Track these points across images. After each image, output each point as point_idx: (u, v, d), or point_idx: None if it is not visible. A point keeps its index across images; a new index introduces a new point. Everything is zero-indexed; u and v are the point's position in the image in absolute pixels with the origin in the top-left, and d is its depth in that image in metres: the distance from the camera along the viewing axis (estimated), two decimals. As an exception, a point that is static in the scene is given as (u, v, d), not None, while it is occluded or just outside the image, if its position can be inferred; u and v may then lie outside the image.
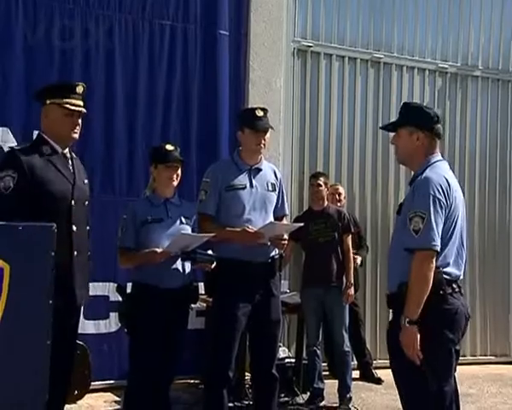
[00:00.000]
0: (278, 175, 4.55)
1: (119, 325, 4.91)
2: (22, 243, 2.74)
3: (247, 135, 4.35)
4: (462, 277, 3.38)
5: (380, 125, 6.74)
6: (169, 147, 4.18)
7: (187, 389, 5.52)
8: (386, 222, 6.75)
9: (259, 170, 4.43)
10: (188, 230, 4.17)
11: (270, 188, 4.43)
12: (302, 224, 4.76)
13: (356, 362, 6.23)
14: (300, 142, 6.57)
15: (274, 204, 4.45)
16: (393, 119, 7.05)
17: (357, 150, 6.78)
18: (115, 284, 4.59)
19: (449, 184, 3.29)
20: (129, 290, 4.16)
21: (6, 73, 4.93)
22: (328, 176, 6.04)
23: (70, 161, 3.70)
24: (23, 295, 2.72)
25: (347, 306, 5.50)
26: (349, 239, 5.59)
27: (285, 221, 4.58)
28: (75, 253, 3.57)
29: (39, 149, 3.60)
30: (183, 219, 4.17)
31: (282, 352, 5.72)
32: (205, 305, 5.11)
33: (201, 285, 4.36)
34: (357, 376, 6.15)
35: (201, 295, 4.38)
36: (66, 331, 3.53)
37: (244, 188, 4.32)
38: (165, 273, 4.04)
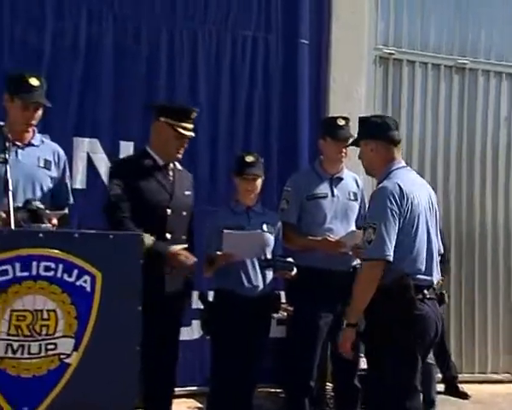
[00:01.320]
0: (360, 184, 4.56)
1: (202, 332, 5.04)
2: (113, 251, 2.88)
3: (329, 144, 4.40)
4: (435, 282, 3.41)
5: (464, 134, 6.64)
6: (248, 158, 4.24)
7: (268, 397, 5.57)
8: (472, 236, 6.58)
9: (341, 179, 4.46)
10: (270, 238, 4.24)
11: (352, 197, 4.46)
12: None
13: (440, 375, 6.13)
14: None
15: (356, 213, 4.46)
16: (479, 128, 6.97)
17: (441, 161, 6.65)
18: (197, 292, 4.72)
19: (402, 192, 3.34)
20: (211, 298, 4.27)
21: (97, 84, 5.10)
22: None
23: (171, 172, 3.89)
24: (114, 302, 2.86)
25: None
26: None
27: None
28: (167, 269, 3.74)
29: (142, 161, 3.83)
30: (265, 227, 4.24)
31: (364, 362, 5.69)
32: (286, 314, 5.16)
33: (283, 294, 4.41)
34: (442, 390, 6.04)
35: (283, 303, 4.43)
36: (166, 337, 3.73)
37: (325, 197, 4.37)
38: (247, 281, 4.12)
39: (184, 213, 3.88)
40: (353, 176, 4.63)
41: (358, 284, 3.33)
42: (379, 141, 3.52)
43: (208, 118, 5.59)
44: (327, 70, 6.04)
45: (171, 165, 3.93)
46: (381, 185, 3.43)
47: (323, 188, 4.43)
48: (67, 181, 4.02)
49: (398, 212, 3.32)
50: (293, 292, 4.33)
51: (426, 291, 3.34)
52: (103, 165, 5.06)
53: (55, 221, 3.30)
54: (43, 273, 2.76)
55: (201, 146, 5.56)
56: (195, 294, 4.61)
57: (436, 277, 3.45)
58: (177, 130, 3.80)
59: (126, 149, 5.11)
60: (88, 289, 2.84)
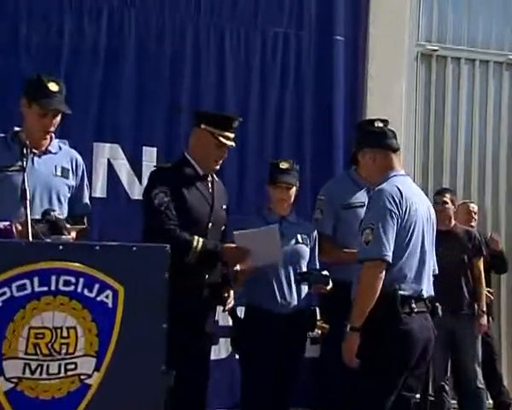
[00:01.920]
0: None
1: (230, 350, 5.05)
2: (136, 264, 2.90)
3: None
4: (426, 294, 3.52)
5: (515, 135, 6.59)
6: (283, 165, 4.29)
7: (301, 421, 5.57)
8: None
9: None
10: (305, 249, 4.25)
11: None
12: None
13: (491, 401, 6.05)
14: (424, 156, 6.49)
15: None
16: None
17: (489, 164, 6.61)
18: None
19: (402, 194, 3.48)
20: (240, 314, 4.30)
21: (117, 88, 5.15)
22: (456, 193, 5.95)
23: (210, 184, 3.93)
24: (137, 319, 2.87)
25: (480, 337, 5.38)
26: (480, 263, 5.48)
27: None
28: (206, 276, 3.80)
29: (183, 169, 3.88)
30: (300, 238, 4.27)
31: (406, 387, 5.65)
32: (320, 332, 5.15)
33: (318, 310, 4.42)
34: (493, 416, 5.99)
35: (318, 321, 4.43)
36: (197, 355, 3.79)
37: (363, 206, 4.33)
38: (280, 296, 4.15)
39: (223, 228, 3.94)
40: (393, 183, 4.62)
41: (359, 286, 3.43)
42: (377, 149, 3.67)
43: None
44: (364, 68, 6.03)
45: (210, 175, 3.98)
46: (379, 187, 3.57)
47: (360, 196, 4.43)
48: (86, 190, 4.07)
49: (396, 213, 3.45)
50: (328, 308, 4.32)
51: (414, 304, 3.43)
52: (125, 171, 5.12)
53: (73, 235, 3.35)
54: (62, 288, 2.78)
55: (229, 151, 5.58)
56: (221, 309, 4.65)
57: (427, 290, 3.55)
58: (218, 138, 3.85)
59: (149, 155, 5.17)
60: (110, 304, 2.86)
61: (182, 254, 3.59)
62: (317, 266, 4.35)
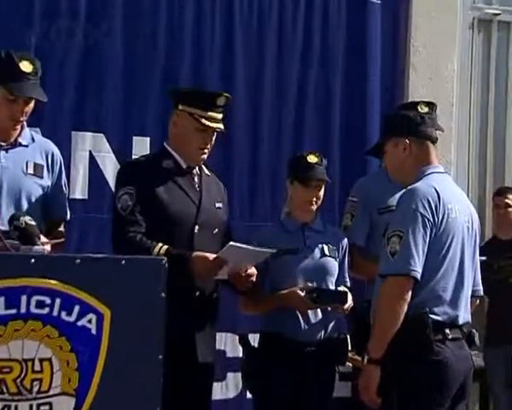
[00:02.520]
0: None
1: (240, 388, 5.05)
2: (126, 281, 2.90)
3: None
4: (462, 320, 3.53)
5: None
6: (312, 158, 4.29)
7: None
8: None
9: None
10: (333, 264, 4.25)
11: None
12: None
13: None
14: (481, 146, 6.47)
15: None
16: None
17: None
18: (235, 336, 4.74)
19: (439, 198, 3.50)
20: (253, 342, 4.30)
21: (100, 64, 5.15)
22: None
23: (197, 179, 3.93)
24: (127, 349, 2.87)
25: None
26: (553, 280, 5.47)
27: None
28: (197, 293, 3.79)
29: (159, 163, 3.88)
30: (326, 250, 4.28)
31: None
32: (352, 365, 5.14)
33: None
34: None
35: (349, 351, 4.44)
36: (193, 394, 3.77)
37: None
38: (303, 321, 4.16)
39: (215, 232, 3.92)
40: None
41: (379, 308, 3.48)
42: (412, 137, 3.69)
43: (247, 108, 5.61)
44: (406, 39, 6.03)
45: (197, 168, 3.98)
46: (412, 186, 3.59)
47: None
48: (64, 190, 4.08)
49: (431, 220, 3.46)
50: (362, 337, 4.31)
51: (448, 331, 3.46)
52: (111, 167, 5.12)
53: (48, 247, 3.36)
54: (34, 311, 2.76)
55: (238, 146, 5.59)
56: (230, 337, 4.64)
57: (464, 316, 3.58)
58: (200, 120, 3.84)
59: (141, 146, 5.18)
60: (93, 331, 2.84)
61: None
62: (348, 284, 4.35)
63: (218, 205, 4.01)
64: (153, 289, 2.95)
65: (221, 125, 3.92)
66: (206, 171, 4.05)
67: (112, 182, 5.08)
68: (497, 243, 5.62)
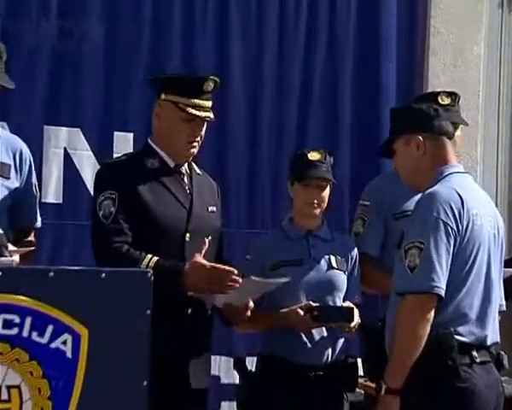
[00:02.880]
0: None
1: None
2: (106, 297, 2.88)
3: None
4: (490, 341, 3.51)
5: None
6: (313, 156, 4.29)
7: None
8: None
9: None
10: (342, 278, 4.26)
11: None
12: None
13: None
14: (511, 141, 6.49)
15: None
16: None
17: None
18: (230, 359, 4.73)
19: (463, 203, 3.48)
20: (250, 366, 4.32)
21: (77, 51, 5.16)
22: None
23: (187, 179, 3.93)
24: (108, 374, 2.84)
25: None
26: None
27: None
28: (189, 310, 3.78)
29: (143, 161, 3.88)
30: (334, 261, 4.29)
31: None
32: (363, 392, 5.14)
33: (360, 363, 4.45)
34: None
35: (360, 377, 4.46)
36: None
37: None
38: (309, 342, 4.17)
39: (209, 239, 3.91)
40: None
41: (398, 331, 3.44)
42: (427, 134, 3.67)
43: (244, 101, 5.61)
44: (425, 20, 6.04)
45: (187, 167, 3.97)
46: (430, 190, 3.56)
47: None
48: (34, 192, 4.09)
49: (455, 229, 3.45)
50: (374, 360, 4.31)
51: (475, 353, 3.44)
52: (89, 167, 5.14)
53: (16, 258, 3.34)
54: (2, 331, 2.73)
55: (235, 143, 5.59)
56: (224, 360, 4.64)
57: (492, 336, 3.55)
58: (186, 109, 3.83)
59: (123, 143, 5.20)
60: (68, 354, 2.82)
61: None
62: (357, 300, 4.37)
63: (211, 209, 4.01)
64: (137, 305, 2.92)
65: (210, 114, 3.91)
66: (197, 169, 4.05)
67: (90, 183, 5.07)
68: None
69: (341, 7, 5.81)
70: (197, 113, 3.85)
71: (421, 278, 3.40)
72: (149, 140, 3.98)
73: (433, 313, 3.40)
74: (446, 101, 4.47)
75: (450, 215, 3.46)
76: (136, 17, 5.33)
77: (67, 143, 5.14)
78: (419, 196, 4.43)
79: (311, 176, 4.25)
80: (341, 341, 4.27)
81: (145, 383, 2.92)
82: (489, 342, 3.54)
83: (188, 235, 3.84)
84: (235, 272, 3.61)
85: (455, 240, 3.45)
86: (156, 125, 3.95)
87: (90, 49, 5.20)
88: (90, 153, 5.17)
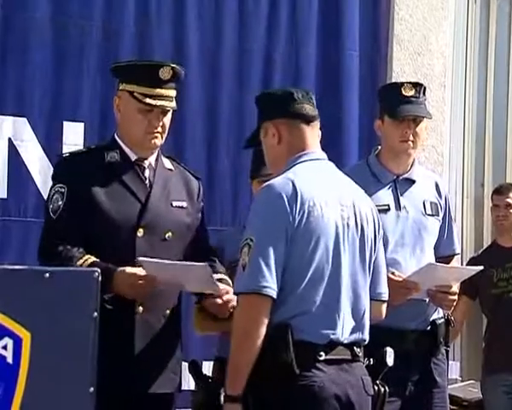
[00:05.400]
0: (442, 191, 4.60)
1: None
2: (50, 298, 2.85)
3: (388, 126, 4.45)
4: (351, 339, 3.47)
5: None
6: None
7: None
8: None
9: (411, 182, 4.49)
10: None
11: (429, 211, 4.49)
12: (481, 267, 4.74)
13: None
14: (478, 135, 6.52)
15: (435, 236, 4.49)
16: None
17: None
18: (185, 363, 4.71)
19: (297, 195, 3.43)
20: (207, 371, 4.29)
21: (24, 38, 5.12)
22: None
23: (148, 172, 3.91)
24: (51, 380, 2.82)
25: None
26: None
27: (455, 263, 4.62)
28: (140, 308, 3.75)
29: (103, 155, 3.88)
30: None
31: None
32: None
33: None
34: None
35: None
36: None
37: (387, 210, 4.40)
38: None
39: (169, 236, 3.88)
40: (431, 177, 4.67)
41: (233, 334, 3.44)
42: (280, 119, 3.61)
43: (202, 93, 5.61)
44: (389, 6, 6.03)
45: (153, 161, 3.95)
46: (267, 183, 3.55)
47: (384, 196, 4.43)
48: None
49: (285, 222, 3.40)
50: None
51: (322, 351, 3.40)
52: (36, 159, 5.11)
53: None
54: None
55: (221, 142, 5.57)
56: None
57: (352, 333, 3.50)
58: (142, 100, 3.81)
59: (73, 133, 5.17)
60: (9, 359, 2.80)
61: None
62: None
63: (176, 204, 3.96)
64: (83, 307, 2.91)
65: (169, 103, 3.87)
66: (168, 164, 4.02)
67: (37, 177, 5.04)
68: (497, 251, 5.63)
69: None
70: (153, 102, 3.83)
71: (249, 278, 3.38)
72: (115, 134, 3.98)
73: (267, 313, 3.37)
74: (410, 92, 4.48)
75: (281, 209, 3.41)
76: (88, 3, 5.28)
77: (12, 134, 5.11)
78: (384, 190, 4.46)
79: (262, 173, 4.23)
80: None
81: (92, 389, 2.90)
82: (346, 340, 3.47)
83: (140, 230, 3.81)
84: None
85: (286, 234, 3.40)
86: (117, 118, 3.96)
87: (36, 31, 5.17)
88: (37, 144, 5.14)
